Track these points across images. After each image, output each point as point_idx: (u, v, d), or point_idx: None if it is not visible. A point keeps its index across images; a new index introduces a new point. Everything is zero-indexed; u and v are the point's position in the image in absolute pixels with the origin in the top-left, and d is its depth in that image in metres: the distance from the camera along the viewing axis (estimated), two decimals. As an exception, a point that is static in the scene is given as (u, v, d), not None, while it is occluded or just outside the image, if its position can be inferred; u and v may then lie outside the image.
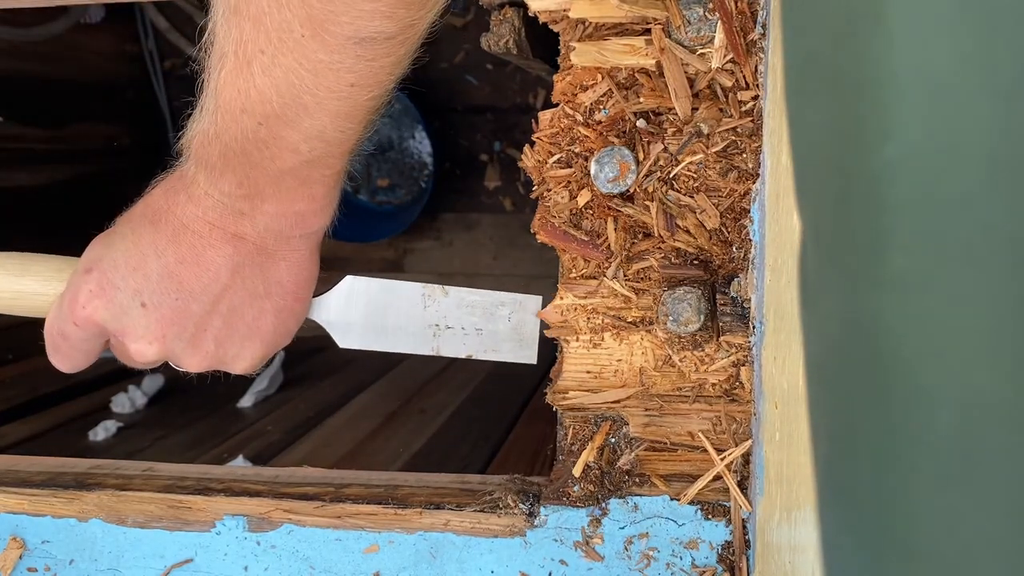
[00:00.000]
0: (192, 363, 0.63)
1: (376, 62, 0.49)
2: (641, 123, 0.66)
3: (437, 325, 0.72)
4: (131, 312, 0.60)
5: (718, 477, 0.68)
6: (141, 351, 0.62)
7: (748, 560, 0.68)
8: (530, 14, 0.67)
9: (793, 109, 0.36)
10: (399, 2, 0.46)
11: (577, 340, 0.70)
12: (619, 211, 0.67)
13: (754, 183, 0.65)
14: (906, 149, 0.28)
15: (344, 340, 0.72)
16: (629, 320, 0.69)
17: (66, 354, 0.63)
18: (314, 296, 0.70)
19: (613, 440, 0.70)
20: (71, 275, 0.62)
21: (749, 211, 0.65)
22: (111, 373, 1.83)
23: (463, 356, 0.72)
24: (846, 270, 0.32)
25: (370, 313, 0.72)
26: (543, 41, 0.76)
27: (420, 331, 0.72)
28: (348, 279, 0.72)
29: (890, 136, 0.29)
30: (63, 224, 1.94)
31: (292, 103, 0.50)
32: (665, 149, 0.66)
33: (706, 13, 0.63)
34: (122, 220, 0.62)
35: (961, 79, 0.26)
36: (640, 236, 0.68)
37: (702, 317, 0.65)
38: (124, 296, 0.59)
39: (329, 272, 0.69)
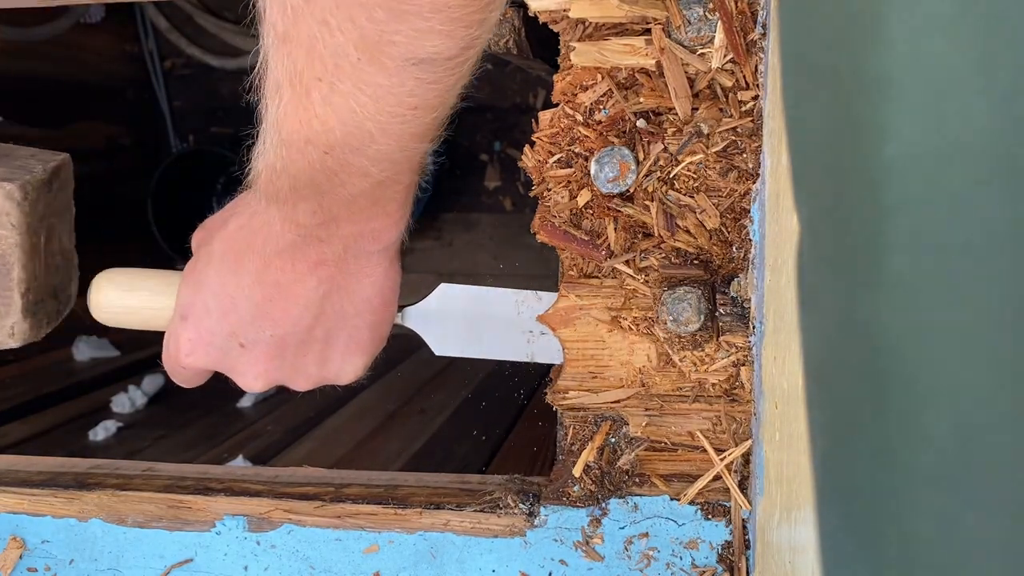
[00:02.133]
0: (300, 385, 0.66)
1: (438, 84, 0.47)
2: (641, 123, 0.66)
3: (531, 331, 0.72)
4: (231, 354, 0.62)
5: (718, 477, 0.68)
6: (249, 385, 0.64)
7: (748, 560, 0.68)
8: (530, 14, 0.67)
9: (791, 109, 0.36)
10: (455, 20, 0.44)
11: (577, 340, 0.70)
12: (619, 211, 0.67)
13: (754, 183, 0.65)
14: (905, 149, 0.28)
15: (441, 348, 0.72)
16: (629, 320, 0.69)
17: (186, 381, 0.67)
18: (406, 304, 0.70)
19: (613, 440, 0.70)
20: (171, 321, 0.65)
21: (749, 211, 0.65)
22: (111, 373, 1.83)
23: (557, 362, 0.72)
24: (844, 271, 0.32)
25: (465, 320, 0.72)
26: (543, 41, 0.76)
27: (514, 337, 0.72)
28: (442, 287, 0.72)
29: (889, 136, 0.29)
30: (63, 224, 1.94)
31: (356, 131, 0.49)
32: (665, 149, 0.66)
33: (706, 13, 0.63)
34: (204, 256, 0.63)
35: (960, 79, 0.26)
36: (640, 236, 0.68)
37: (702, 317, 0.65)
38: (221, 340, 0.62)
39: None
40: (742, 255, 0.66)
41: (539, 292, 0.72)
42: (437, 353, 0.72)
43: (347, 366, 0.66)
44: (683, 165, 0.66)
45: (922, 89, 0.27)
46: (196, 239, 0.65)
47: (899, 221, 0.29)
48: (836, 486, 0.34)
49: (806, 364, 0.37)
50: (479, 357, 0.73)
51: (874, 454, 0.30)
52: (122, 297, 0.68)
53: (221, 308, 0.61)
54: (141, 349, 1.99)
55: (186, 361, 0.63)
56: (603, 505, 0.70)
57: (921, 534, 0.29)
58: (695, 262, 0.67)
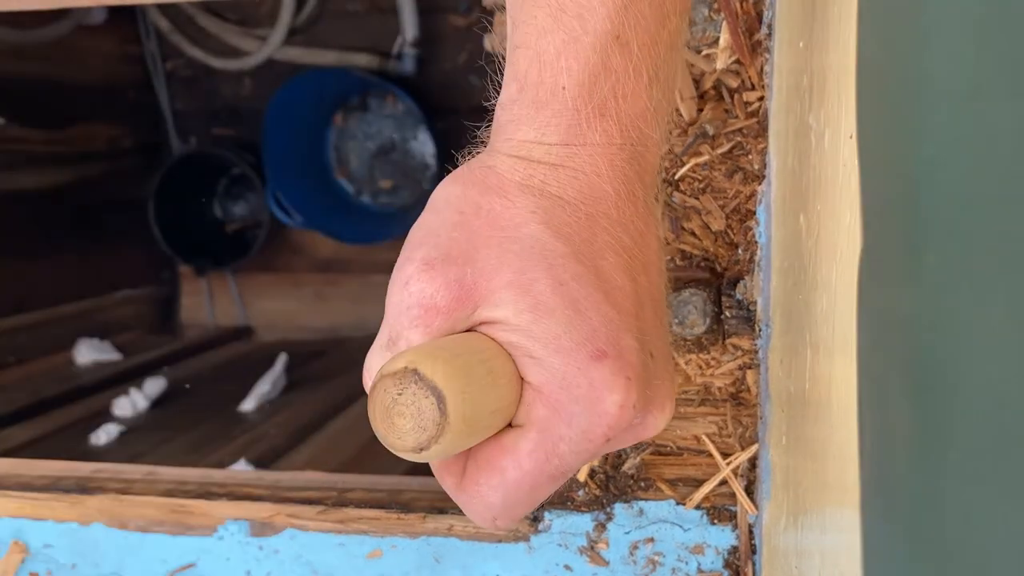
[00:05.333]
0: (672, 398, 0.42)
1: None
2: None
3: None
4: (652, 376, 0.38)
5: (724, 481, 0.68)
6: (661, 420, 0.40)
7: (754, 565, 0.67)
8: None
9: (859, 112, 0.36)
10: None
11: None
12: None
13: (760, 185, 0.64)
14: (941, 150, 0.28)
15: None
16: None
17: (541, 499, 0.39)
18: None
19: (618, 444, 0.70)
20: (557, 382, 0.36)
21: (755, 213, 0.65)
22: (113, 376, 1.83)
23: None
24: (889, 267, 0.32)
25: None
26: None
27: None
28: None
29: (926, 136, 0.29)
30: (65, 226, 1.94)
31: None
32: (670, 150, 0.65)
33: (711, 13, 0.63)
34: (520, 270, 0.36)
35: (989, 80, 0.26)
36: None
37: (707, 320, 0.64)
38: (646, 358, 0.38)
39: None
40: (748, 257, 0.66)
41: None
42: None
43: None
44: (688, 166, 0.65)
45: (956, 91, 0.27)
46: (454, 282, 0.37)
47: (935, 219, 0.29)
48: (880, 483, 0.34)
49: (859, 362, 0.36)
50: None
51: (914, 449, 0.30)
52: (485, 399, 0.35)
53: (622, 310, 0.37)
54: (143, 352, 1.99)
55: (627, 416, 0.36)
56: (608, 510, 0.69)
57: (956, 530, 0.29)
58: (700, 264, 0.66)
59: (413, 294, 0.36)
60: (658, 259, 0.40)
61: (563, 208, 0.37)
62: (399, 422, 0.32)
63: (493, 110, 0.40)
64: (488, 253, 0.36)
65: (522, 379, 0.36)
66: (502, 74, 0.40)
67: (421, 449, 0.32)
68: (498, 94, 0.40)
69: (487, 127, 0.41)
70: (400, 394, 0.32)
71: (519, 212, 0.37)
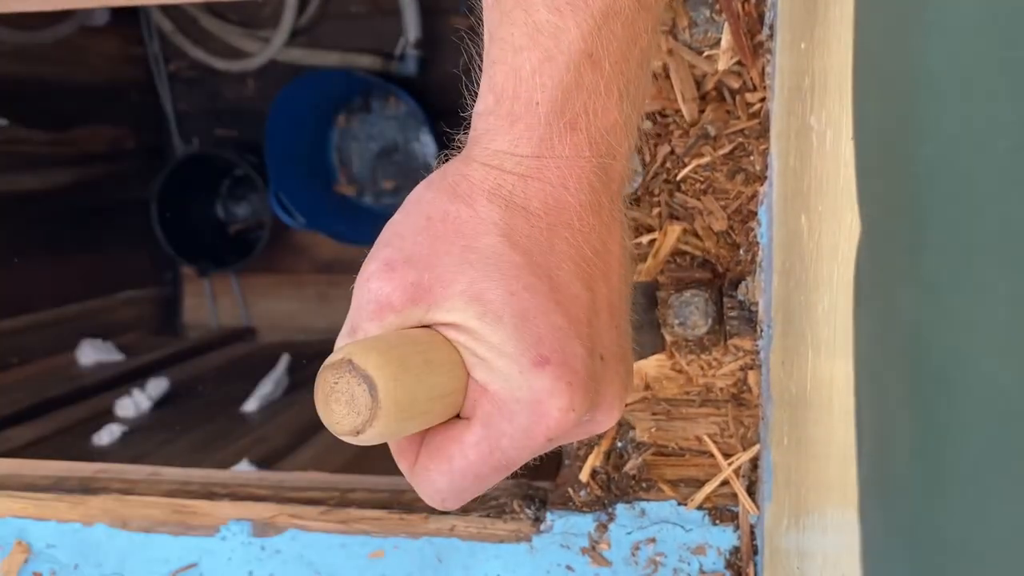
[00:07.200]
0: (621, 402, 0.44)
1: None
2: (648, 125, 0.66)
3: None
4: (600, 379, 0.41)
5: (726, 482, 0.68)
6: (612, 414, 0.42)
7: (756, 566, 0.67)
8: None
9: (856, 106, 0.36)
10: None
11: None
12: (624, 213, 0.67)
13: (762, 185, 0.64)
14: (941, 149, 0.28)
15: None
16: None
17: (486, 487, 0.42)
18: None
19: (620, 444, 0.70)
20: (501, 383, 0.38)
21: (757, 214, 0.65)
22: (115, 377, 1.83)
23: None
24: (890, 267, 0.32)
25: None
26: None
27: None
28: None
29: (926, 136, 0.29)
30: (67, 227, 1.95)
31: None
32: (672, 151, 0.66)
33: (713, 15, 0.63)
34: (473, 279, 0.38)
35: (987, 80, 0.26)
36: (646, 239, 0.67)
37: (709, 320, 0.64)
38: (592, 364, 0.40)
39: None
40: (749, 258, 0.66)
41: None
42: None
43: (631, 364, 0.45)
44: (690, 167, 0.65)
45: (954, 90, 0.27)
46: (409, 284, 0.39)
47: (934, 218, 0.29)
48: (879, 482, 0.34)
49: (857, 361, 0.37)
50: None
51: (912, 448, 0.31)
52: (420, 388, 0.38)
53: (573, 319, 0.39)
54: (146, 353, 1.99)
55: (568, 420, 0.38)
56: (610, 510, 0.69)
57: (955, 529, 0.29)
58: (702, 265, 0.66)
59: (372, 290, 0.39)
60: (620, 267, 0.42)
61: (526, 219, 0.39)
62: (336, 408, 0.35)
63: (470, 118, 0.42)
64: (447, 260, 0.39)
65: (469, 373, 0.39)
66: (479, 84, 0.42)
67: (358, 432, 0.35)
68: (475, 103, 0.42)
69: (464, 133, 0.42)
70: (336, 383, 0.35)
71: (482, 223, 0.39)
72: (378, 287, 0.39)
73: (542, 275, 0.39)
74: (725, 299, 0.66)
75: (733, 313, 0.66)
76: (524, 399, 0.38)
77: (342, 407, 0.35)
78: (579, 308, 0.39)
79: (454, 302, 0.38)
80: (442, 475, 0.40)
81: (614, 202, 0.42)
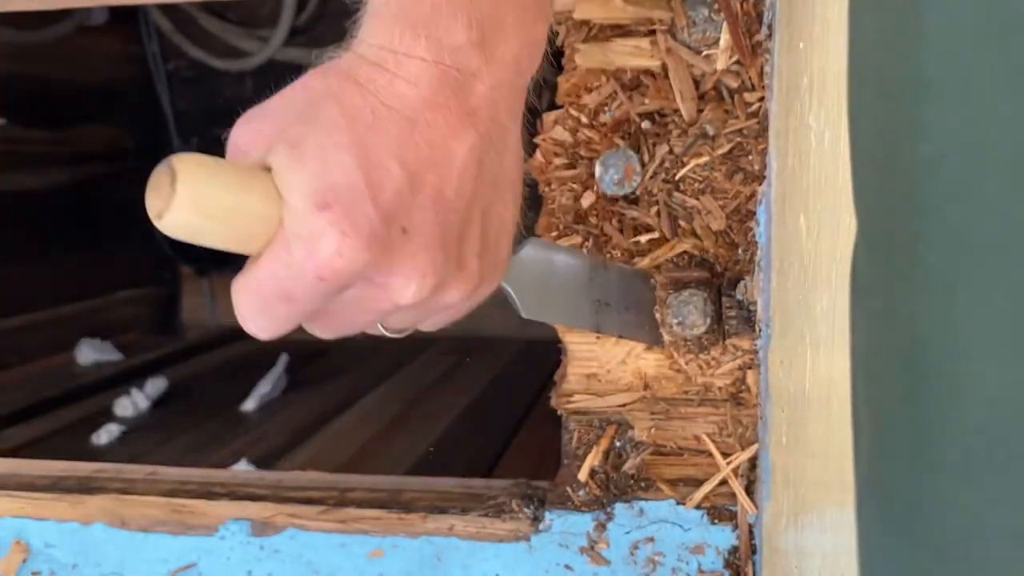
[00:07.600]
0: (459, 291, 0.49)
1: None
2: (646, 125, 0.66)
3: (599, 301, 0.65)
4: (394, 245, 0.45)
5: (724, 481, 0.68)
6: (410, 288, 0.47)
7: (755, 565, 0.67)
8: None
9: (851, 107, 0.37)
10: None
11: (582, 342, 0.70)
12: (623, 213, 0.67)
13: (760, 185, 0.64)
14: (939, 149, 0.28)
15: (527, 310, 0.61)
16: (634, 323, 0.68)
17: (284, 318, 0.47)
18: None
19: (618, 444, 0.70)
20: (295, 219, 0.44)
21: (755, 213, 0.65)
22: (114, 376, 1.83)
23: (615, 336, 0.67)
24: (887, 266, 0.32)
25: (547, 282, 0.63)
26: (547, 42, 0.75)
27: (586, 306, 0.64)
28: (531, 242, 0.61)
29: (924, 136, 0.29)
30: (66, 226, 1.95)
31: None
32: (671, 151, 0.66)
33: (711, 14, 0.63)
34: (301, 130, 0.45)
35: (987, 81, 0.26)
36: (645, 238, 0.67)
37: (708, 320, 0.64)
38: (381, 227, 0.44)
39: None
40: (748, 257, 0.66)
41: (606, 261, 0.67)
42: (524, 316, 0.61)
43: (499, 259, 0.51)
44: (689, 167, 0.65)
45: (953, 90, 0.28)
46: (258, 132, 0.47)
47: (933, 218, 0.29)
48: (875, 480, 0.35)
49: (854, 360, 0.37)
50: (552, 323, 0.66)
51: (909, 447, 0.31)
52: (231, 198, 0.44)
53: (372, 182, 0.44)
54: (144, 352, 1.99)
55: (337, 264, 0.43)
56: (608, 510, 0.69)
57: (952, 528, 0.29)
58: (700, 264, 0.66)
59: (232, 137, 0.48)
60: (462, 165, 0.47)
61: (362, 96, 0.46)
62: (150, 194, 0.42)
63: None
64: (290, 117, 0.46)
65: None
66: None
67: (159, 215, 0.42)
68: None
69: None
70: (157, 177, 0.42)
71: (327, 92, 0.46)
72: (235, 134, 0.47)
73: (358, 141, 0.44)
74: (724, 298, 0.66)
75: (732, 312, 0.66)
76: (301, 234, 0.43)
77: (153, 192, 0.42)
78: (387, 180, 0.44)
79: (279, 147, 0.44)
80: (237, 292, 0.47)
81: (471, 115, 0.48)
